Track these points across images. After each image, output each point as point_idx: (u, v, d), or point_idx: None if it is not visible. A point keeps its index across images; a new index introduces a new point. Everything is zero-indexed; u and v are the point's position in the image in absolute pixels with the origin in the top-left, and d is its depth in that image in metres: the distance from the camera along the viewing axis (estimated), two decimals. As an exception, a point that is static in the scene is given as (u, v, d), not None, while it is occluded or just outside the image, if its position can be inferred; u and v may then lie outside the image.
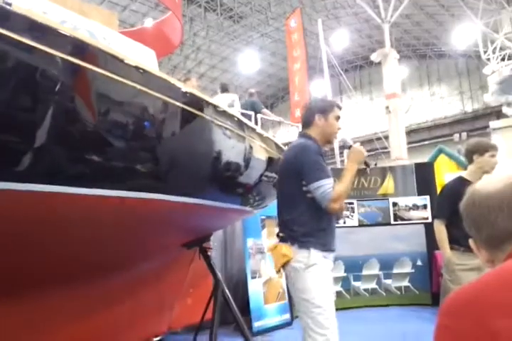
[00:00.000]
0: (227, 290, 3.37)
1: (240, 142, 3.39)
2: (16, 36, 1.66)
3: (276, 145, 4.39)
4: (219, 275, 3.38)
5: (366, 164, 2.59)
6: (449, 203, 3.18)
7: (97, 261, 2.53)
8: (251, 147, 3.59)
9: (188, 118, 2.84)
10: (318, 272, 2.29)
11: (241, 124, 3.49)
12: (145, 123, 2.48)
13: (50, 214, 1.97)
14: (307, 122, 2.59)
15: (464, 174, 3.31)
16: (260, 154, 3.77)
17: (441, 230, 3.25)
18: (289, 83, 12.37)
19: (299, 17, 11.71)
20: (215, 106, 3.15)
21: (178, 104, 2.70)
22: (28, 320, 2.42)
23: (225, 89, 7.06)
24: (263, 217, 5.29)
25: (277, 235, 2.48)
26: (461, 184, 3.20)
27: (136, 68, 2.35)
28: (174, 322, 3.88)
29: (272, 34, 22.75)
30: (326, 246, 2.36)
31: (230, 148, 3.20)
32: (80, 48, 1.98)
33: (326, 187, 2.28)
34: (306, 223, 2.34)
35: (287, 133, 20.23)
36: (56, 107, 1.84)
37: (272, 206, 5.03)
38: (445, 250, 3.22)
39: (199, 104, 2.92)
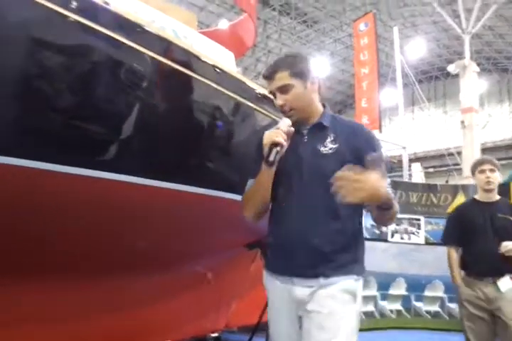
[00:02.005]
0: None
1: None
2: (113, 34, 1.73)
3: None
4: (279, 279, 3.35)
5: (267, 157, 1.60)
6: (456, 226, 3.05)
7: (167, 252, 2.60)
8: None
9: (261, 120, 2.84)
10: (268, 297, 1.74)
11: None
12: (218, 122, 2.50)
13: (124, 202, 2.04)
14: None
15: (476, 195, 3.08)
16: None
17: (450, 256, 3.04)
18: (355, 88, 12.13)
19: (372, 21, 11.46)
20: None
21: (250, 104, 2.72)
22: (109, 300, 2.54)
23: None
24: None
25: None
26: (471, 205, 3.05)
27: (215, 68, 2.39)
28: (231, 321, 3.89)
29: (344, 40, 22.47)
30: (270, 267, 1.71)
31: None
32: (168, 47, 2.05)
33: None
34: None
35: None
36: (141, 102, 1.89)
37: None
38: (454, 279, 2.99)
39: (270, 105, 2.91)
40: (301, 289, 1.58)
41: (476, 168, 3.00)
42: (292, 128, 1.64)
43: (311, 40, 22.93)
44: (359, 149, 1.63)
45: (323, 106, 1.76)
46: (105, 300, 2.50)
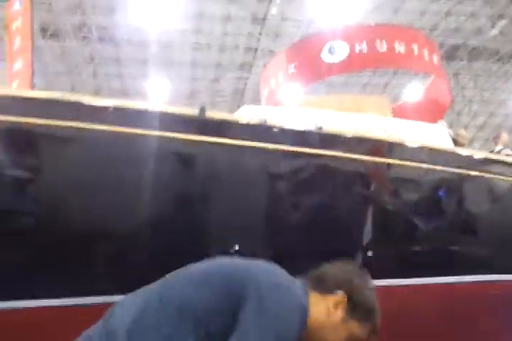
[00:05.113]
0: None
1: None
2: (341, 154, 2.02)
3: None
4: None
5: None
6: None
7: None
8: None
9: (494, 187, 2.70)
10: None
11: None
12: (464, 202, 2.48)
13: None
14: (325, 285, 1.45)
15: None
16: None
17: None
18: None
19: None
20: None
21: (476, 173, 2.63)
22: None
23: None
24: None
25: None
26: None
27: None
28: None
29: (555, 62, 19.77)
30: None
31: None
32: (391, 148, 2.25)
33: None
34: None
35: None
36: (374, 207, 2.07)
37: None
38: None
39: (500, 167, 2.76)
40: None
41: None
42: None
43: (513, 75, 20.84)
44: None
45: None
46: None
